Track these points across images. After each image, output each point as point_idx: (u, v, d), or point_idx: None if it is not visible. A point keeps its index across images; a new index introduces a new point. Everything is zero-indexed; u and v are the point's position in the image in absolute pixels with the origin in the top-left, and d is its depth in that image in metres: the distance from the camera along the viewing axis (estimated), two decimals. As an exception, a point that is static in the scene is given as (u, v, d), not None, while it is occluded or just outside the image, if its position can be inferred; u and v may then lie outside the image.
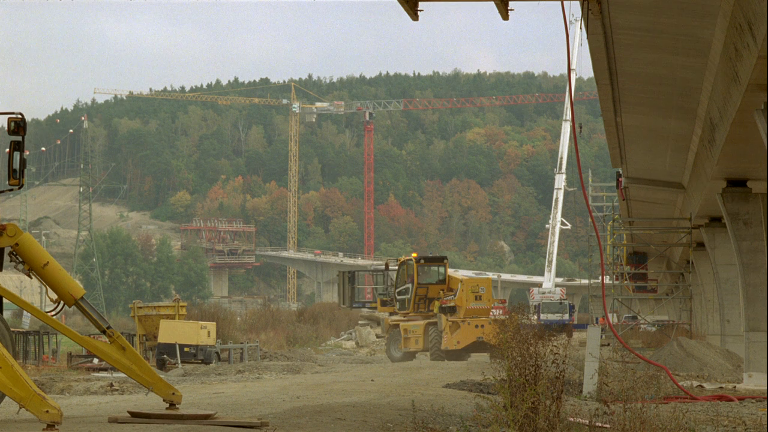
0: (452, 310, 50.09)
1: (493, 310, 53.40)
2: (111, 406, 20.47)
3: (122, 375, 28.53)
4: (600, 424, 15.15)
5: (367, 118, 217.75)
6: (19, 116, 16.57)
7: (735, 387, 29.21)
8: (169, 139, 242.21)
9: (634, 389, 16.08)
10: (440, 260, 53.49)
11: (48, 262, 16.67)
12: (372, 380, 30.04)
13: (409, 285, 51.46)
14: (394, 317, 52.70)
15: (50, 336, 56.48)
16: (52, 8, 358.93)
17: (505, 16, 18.58)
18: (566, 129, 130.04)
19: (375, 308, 56.62)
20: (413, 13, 18.54)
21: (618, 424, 14.39)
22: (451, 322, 49.51)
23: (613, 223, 56.58)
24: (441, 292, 51.34)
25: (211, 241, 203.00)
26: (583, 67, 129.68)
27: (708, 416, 19.61)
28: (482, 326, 49.52)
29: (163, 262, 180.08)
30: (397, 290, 52.13)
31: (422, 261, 52.64)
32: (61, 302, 16.77)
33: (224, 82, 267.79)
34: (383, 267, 55.03)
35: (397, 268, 52.92)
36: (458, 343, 49.49)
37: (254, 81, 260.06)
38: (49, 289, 16.72)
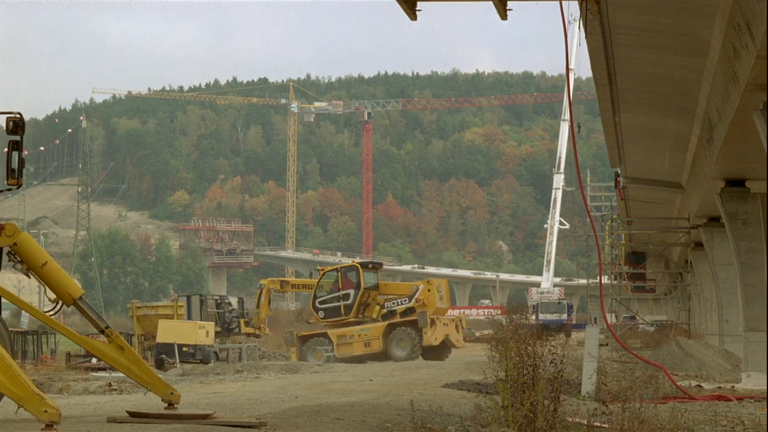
0: (412, 311, 50.76)
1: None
2: (110, 406, 20.46)
3: (121, 375, 28.47)
4: (599, 424, 15.14)
5: (366, 118, 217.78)
6: (18, 116, 16.53)
7: (733, 387, 29.21)
8: (167, 139, 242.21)
9: (633, 389, 16.05)
10: (379, 265, 54.42)
11: (46, 261, 16.64)
12: (370, 380, 30.05)
13: (351, 291, 51.59)
14: (309, 327, 53.49)
15: (49, 336, 56.52)
16: (51, 8, 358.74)
17: (504, 16, 18.57)
18: (565, 129, 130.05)
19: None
20: (412, 13, 18.53)
21: (616, 424, 14.39)
22: (430, 320, 50.09)
23: (611, 222, 56.63)
24: (377, 297, 51.92)
25: (209, 240, 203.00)
26: (582, 66, 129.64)
27: (706, 416, 19.60)
28: (447, 324, 50.68)
29: (161, 262, 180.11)
30: (323, 299, 52.20)
31: (370, 266, 53.19)
32: (60, 302, 16.74)
33: (223, 82, 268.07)
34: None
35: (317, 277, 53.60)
36: (436, 339, 50.13)
37: (253, 81, 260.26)
38: (48, 289, 16.69)
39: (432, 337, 50.01)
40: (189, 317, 51.37)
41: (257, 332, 54.80)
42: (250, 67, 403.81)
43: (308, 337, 51.76)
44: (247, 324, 54.30)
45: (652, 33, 24.28)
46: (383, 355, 50.14)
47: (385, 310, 51.33)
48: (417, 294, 50.96)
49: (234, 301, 57.54)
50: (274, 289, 56.10)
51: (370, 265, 53.66)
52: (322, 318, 52.04)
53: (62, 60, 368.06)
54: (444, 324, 50.85)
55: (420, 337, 49.98)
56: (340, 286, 51.88)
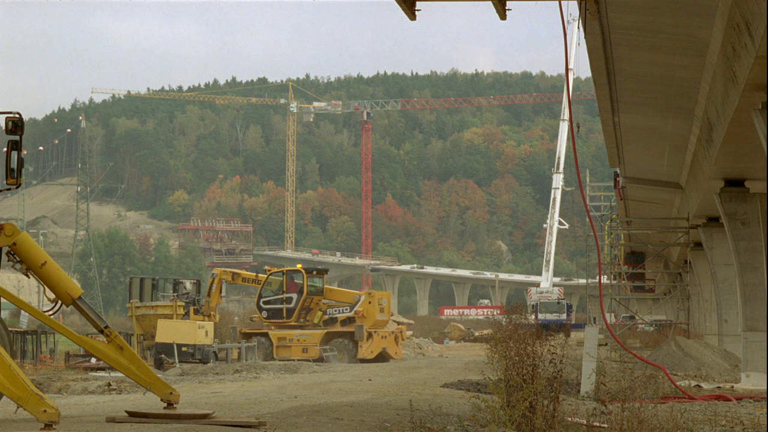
0: (352, 321, 50.85)
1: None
2: (109, 406, 20.46)
3: (120, 374, 28.52)
4: (598, 424, 15.14)
5: (365, 118, 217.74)
6: (17, 115, 16.53)
7: (733, 387, 29.22)
8: (166, 139, 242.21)
9: (632, 389, 16.07)
10: (324, 272, 54.61)
11: (46, 261, 16.64)
12: (369, 380, 30.06)
13: (294, 295, 51.85)
14: (252, 325, 53.66)
15: (48, 335, 56.50)
16: (51, 8, 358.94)
17: (503, 16, 18.56)
18: (564, 129, 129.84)
19: None
20: (411, 13, 18.51)
21: (616, 424, 14.39)
22: (368, 333, 50.18)
23: (610, 222, 56.57)
24: (321, 302, 52.03)
25: (208, 240, 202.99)
26: (581, 66, 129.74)
27: (706, 416, 19.62)
28: (385, 337, 50.74)
29: (160, 262, 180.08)
30: (267, 299, 52.38)
31: (314, 272, 53.31)
32: (59, 302, 16.74)
33: (222, 82, 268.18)
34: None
35: (262, 278, 53.83)
36: (372, 352, 50.26)
37: (252, 80, 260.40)
38: (47, 289, 16.69)
39: (368, 350, 50.20)
40: (141, 299, 51.70)
41: (206, 320, 54.89)
42: (250, 67, 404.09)
43: (250, 335, 52.02)
44: (196, 312, 54.28)
45: (651, 33, 24.28)
46: (320, 362, 50.27)
47: (327, 317, 51.66)
48: (357, 305, 51.25)
49: (188, 284, 57.52)
50: (225, 279, 56.36)
51: (315, 271, 53.88)
52: (265, 318, 52.44)
53: (61, 60, 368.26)
54: (382, 337, 50.97)
55: (356, 349, 50.17)
56: (285, 289, 52.24)
